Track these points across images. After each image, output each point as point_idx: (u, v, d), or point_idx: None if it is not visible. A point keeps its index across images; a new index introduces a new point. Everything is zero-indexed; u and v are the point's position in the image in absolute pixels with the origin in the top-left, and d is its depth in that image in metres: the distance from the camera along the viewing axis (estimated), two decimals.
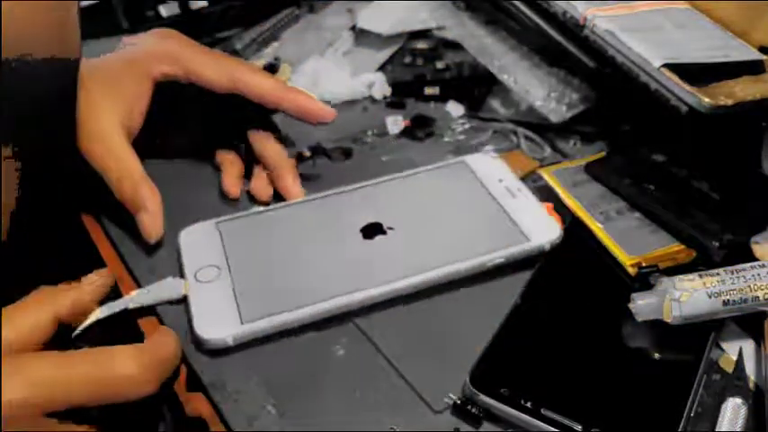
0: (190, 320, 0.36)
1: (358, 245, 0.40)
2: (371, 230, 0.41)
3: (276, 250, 0.40)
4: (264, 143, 0.46)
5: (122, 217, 0.43)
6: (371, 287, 0.37)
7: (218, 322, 0.35)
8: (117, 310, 0.35)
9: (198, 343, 0.35)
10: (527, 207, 0.42)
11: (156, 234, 0.40)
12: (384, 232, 0.40)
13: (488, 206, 0.43)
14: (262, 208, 0.43)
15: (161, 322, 0.37)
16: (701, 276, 0.34)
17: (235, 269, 0.38)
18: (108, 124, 0.40)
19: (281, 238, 0.41)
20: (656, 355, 0.34)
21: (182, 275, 0.38)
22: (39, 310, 0.32)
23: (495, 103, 0.53)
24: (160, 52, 0.43)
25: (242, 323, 0.35)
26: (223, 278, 0.37)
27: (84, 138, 0.39)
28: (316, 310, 0.36)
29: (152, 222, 0.40)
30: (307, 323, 0.36)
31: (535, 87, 0.50)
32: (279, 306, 0.36)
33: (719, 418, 0.32)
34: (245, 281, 0.37)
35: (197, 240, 0.40)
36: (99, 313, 0.34)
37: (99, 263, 0.41)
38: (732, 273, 0.34)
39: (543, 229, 0.40)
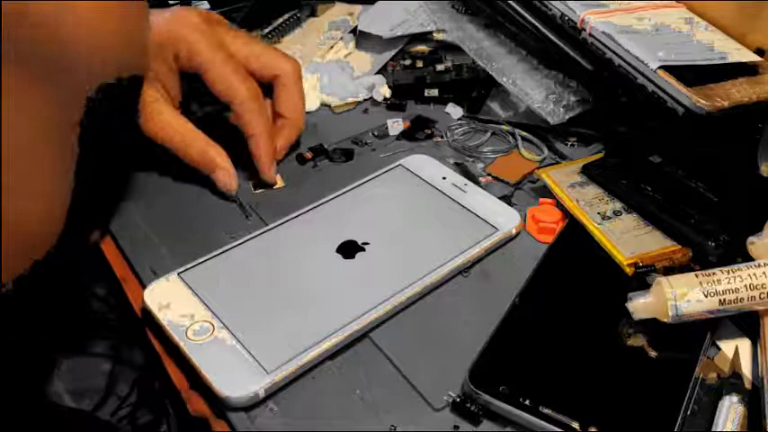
0: (203, 381, 0.34)
1: (342, 266, 0.39)
2: (348, 249, 0.40)
3: (259, 289, 0.38)
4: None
5: (125, 216, 0.43)
6: (379, 305, 0.36)
7: (241, 379, 0.33)
8: None
9: (227, 404, 0.33)
10: (481, 199, 0.44)
11: (234, 185, 0.44)
12: (362, 249, 0.40)
13: (447, 204, 0.43)
14: (220, 249, 0.40)
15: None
16: (697, 276, 0.34)
17: (228, 321, 0.36)
18: (157, 102, 0.42)
19: (256, 275, 0.39)
20: (653, 354, 0.34)
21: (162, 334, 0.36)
22: None
23: (493, 106, 0.54)
24: (182, 36, 0.43)
25: (267, 373, 0.33)
26: (221, 333, 0.35)
27: (143, 120, 0.42)
28: (335, 340, 0.35)
29: (228, 176, 0.44)
30: (327, 355, 0.35)
31: (533, 90, 0.50)
32: (297, 347, 0.34)
33: (716, 417, 0.32)
34: (248, 330, 0.35)
35: (167, 298, 0.37)
36: None
37: (102, 262, 0.42)
38: (728, 272, 0.34)
39: (506, 217, 0.42)
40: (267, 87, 0.47)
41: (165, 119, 0.43)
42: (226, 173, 0.44)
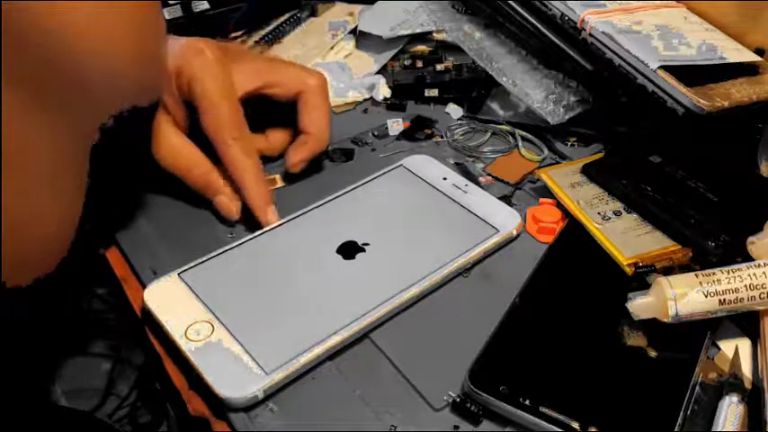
0: (202, 382, 0.34)
1: (342, 267, 0.39)
2: (349, 250, 0.40)
3: (258, 289, 0.38)
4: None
5: (126, 219, 0.43)
6: (378, 306, 0.36)
7: (240, 380, 0.33)
8: None
9: (227, 404, 0.33)
10: (481, 200, 0.44)
11: (236, 212, 0.43)
12: (362, 249, 0.40)
13: (447, 205, 0.43)
14: (220, 249, 0.40)
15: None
16: (697, 276, 0.34)
17: (228, 322, 0.36)
18: (166, 128, 0.42)
19: (255, 275, 0.39)
20: (653, 354, 0.34)
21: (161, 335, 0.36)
22: None
23: (493, 106, 0.54)
24: (184, 68, 0.42)
25: (267, 374, 0.33)
26: (220, 333, 0.35)
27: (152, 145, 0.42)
28: (334, 341, 0.35)
29: (229, 203, 0.43)
30: (327, 356, 0.35)
31: (533, 90, 0.50)
32: (297, 348, 0.34)
33: (716, 417, 0.32)
34: (247, 331, 0.35)
35: (166, 297, 0.37)
36: None
37: (103, 263, 0.42)
38: (728, 272, 0.34)
39: (506, 218, 0.42)
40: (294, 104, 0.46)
41: (173, 143, 0.42)
42: (228, 199, 0.43)
